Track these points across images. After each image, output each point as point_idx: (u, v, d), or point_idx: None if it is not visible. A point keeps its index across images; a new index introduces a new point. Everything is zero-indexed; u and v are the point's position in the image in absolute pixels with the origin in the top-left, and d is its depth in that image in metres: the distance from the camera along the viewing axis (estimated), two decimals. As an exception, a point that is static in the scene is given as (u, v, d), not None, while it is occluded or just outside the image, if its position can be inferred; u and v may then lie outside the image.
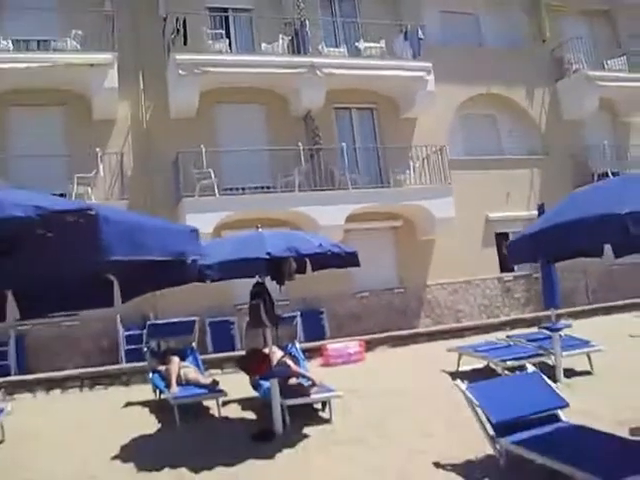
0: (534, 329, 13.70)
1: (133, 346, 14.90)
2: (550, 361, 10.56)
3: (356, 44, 19.16)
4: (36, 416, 10.25)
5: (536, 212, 13.01)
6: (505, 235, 19.37)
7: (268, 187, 17.69)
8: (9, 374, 13.93)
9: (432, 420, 8.18)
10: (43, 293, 4.29)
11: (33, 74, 15.45)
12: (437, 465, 6.49)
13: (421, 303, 19.18)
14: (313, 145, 18.21)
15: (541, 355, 10.72)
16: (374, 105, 19.79)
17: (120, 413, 10.24)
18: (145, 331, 11.96)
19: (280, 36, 18.10)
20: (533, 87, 21.79)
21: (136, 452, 7.83)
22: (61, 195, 13.78)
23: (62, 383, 13.02)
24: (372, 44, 19.05)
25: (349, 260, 8.21)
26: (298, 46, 18.29)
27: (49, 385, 12.92)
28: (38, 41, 16.99)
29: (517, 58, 21.39)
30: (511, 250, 5.99)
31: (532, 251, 5.65)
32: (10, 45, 15.97)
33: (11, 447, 8.50)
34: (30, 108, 16.38)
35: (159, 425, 9.23)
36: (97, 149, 16.14)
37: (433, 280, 19.34)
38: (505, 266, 19.58)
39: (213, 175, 16.25)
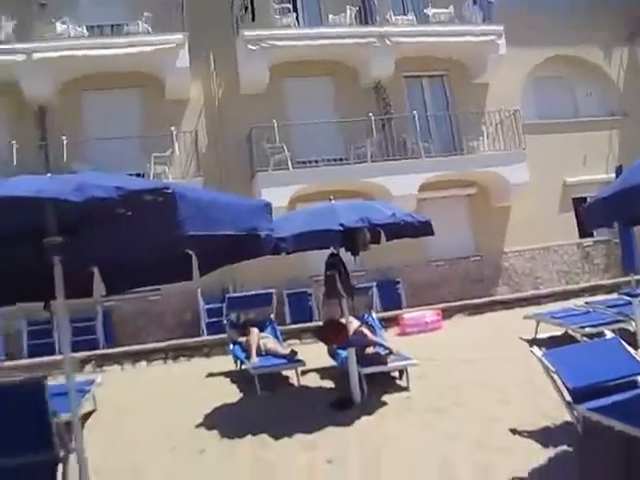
0: (614, 295, 13.41)
1: (213, 319, 15.31)
2: (630, 327, 10.33)
3: (424, 11, 18.93)
4: (124, 387, 10.69)
5: (614, 175, 12.66)
6: (583, 199, 18.83)
7: (340, 159, 17.74)
8: (98, 348, 14.53)
9: (509, 388, 8.15)
10: (126, 269, 4.50)
11: (107, 58, 15.89)
12: (514, 432, 6.50)
13: (498, 271, 18.99)
14: (384, 115, 18.15)
15: (621, 321, 10.47)
16: (445, 72, 19.53)
17: (202, 383, 10.56)
18: (225, 304, 12.27)
19: (347, 7, 18.02)
20: (610, 47, 21.06)
21: (218, 420, 8.09)
22: (138, 175, 14.22)
23: (147, 355, 13.51)
24: (440, 10, 18.78)
25: (423, 229, 8.19)
26: (365, 16, 18.21)
27: (135, 357, 13.44)
28: (111, 26, 17.43)
29: (591, 17, 20.65)
30: (586, 214, 5.87)
31: (608, 215, 5.51)
32: (85, 31, 16.44)
33: (102, 416, 8.90)
34: (106, 92, 16.87)
35: (240, 394, 9.50)
36: (172, 128, 16.50)
37: (510, 247, 19.10)
38: (584, 231, 19.13)
39: (286, 149, 16.44)
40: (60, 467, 4.38)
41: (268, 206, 3.49)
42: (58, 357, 12.75)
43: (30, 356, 14.31)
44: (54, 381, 4.71)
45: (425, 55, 18.61)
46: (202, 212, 2.94)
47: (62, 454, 4.42)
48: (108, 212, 3.28)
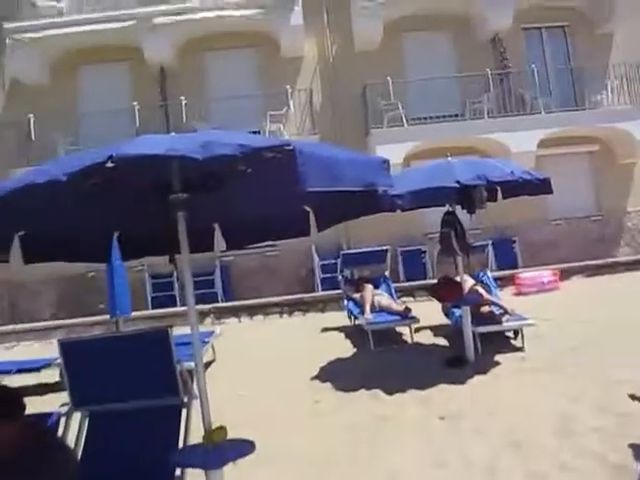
0: None
1: (328, 275, 15.52)
2: None
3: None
4: (241, 339, 11.07)
5: None
6: None
7: (456, 115, 17.41)
8: (217, 301, 15.07)
9: (628, 351, 7.87)
10: (246, 225, 4.63)
11: (224, 19, 16.16)
12: (633, 397, 6.30)
13: (620, 231, 18.22)
14: (502, 69, 17.61)
15: None
16: (566, 23, 18.66)
17: (317, 338, 10.80)
18: (339, 260, 12.44)
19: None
20: None
21: (333, 373, 8.27)
22: (255, 132, 14.46)
23: (264, 309, 13.91)
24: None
25: (541, 187, 7.96)
26: (484, -36, 17.60)
27: (252, 311, 13.87)
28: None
29: None
30: None
31: None
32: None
33: (220, 366, 9.27)
34: (222, 52, 17.20)
35: (354, 349, 9.65)
36: (287, 86, 16.65)
37: (634, 206, 18.25)
38: None
39: (400, 106, 16.29)
40: (184, 412, 4.61)
41: (386, 162, 3.49)
42: (179, 309, 13.34)
43: (154, 308, 15.02)
44: (176, 331, 4.92)
45: (545, 5, 17.85)
46: (322, 168, 2.99)
47: (186, 400, 4.65)
48: (230, 169, 3.38)
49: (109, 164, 2.72)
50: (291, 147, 2.89)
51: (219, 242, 4.70)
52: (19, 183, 3.00)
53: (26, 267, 3.97)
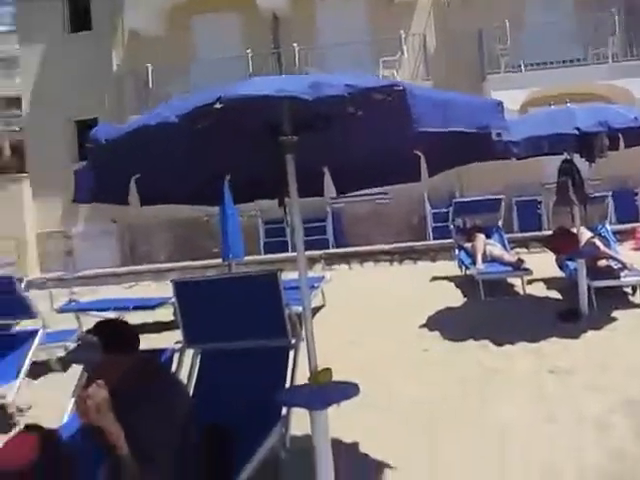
0: None
1: (440, 224, 15.36)
2: None
3: None
4: (351, 285, 11.14)
5: None
6: None
7: (578, 59, 16.56)
8: (328, 247, 15.21)
9: None
10: (355, 170, 4.59)
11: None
12: None
13: None
14: (628, 11, 16.55)
15: None
16: None
17: (427, 286, 10.72)
18: (451, 209, 12.25)
19: None
20: None
21: (442, 322, 8.22)
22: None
23: (374, 256, 13.95)
24: None
25: (669, 135, 7.51)
26: None
27: (363, 258, 13.94)
28: None
29: None
30: None
31: None
32: None
33: (329, 311, 9.39)
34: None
35: (464, 299, 9.54)
36: (400, 32, 16.31)
37: None
38: None
39: (517, 51, 15.66)
40: (291, 354, 4.70)
41: (500, 105, 3.34)
42: (291, 254, 13.55)
43: (266, 253, 15.33)
44: (287, 276, 5.00)
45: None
46: (432, 109, 2.89)
47: (293, 342, 4.74)
48: (339, 111, 3.33)
49: (217, 105, 2.73)
50: (401, 87, 2.82)
51: (329, 187, 4.70)
52: (133, 126, 3.07)
53: (145, 211, 4.10)
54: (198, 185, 4.44)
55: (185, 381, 4.70)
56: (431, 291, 10.29)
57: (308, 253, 12.58)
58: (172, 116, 2.88)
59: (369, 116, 3.35)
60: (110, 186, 3.81)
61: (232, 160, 4.24)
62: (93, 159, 3.51)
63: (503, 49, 15.84)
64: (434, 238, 15.30)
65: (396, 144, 3.95)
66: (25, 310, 7.13)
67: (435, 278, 11.18)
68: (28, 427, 4.22)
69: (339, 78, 2.97)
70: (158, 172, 3.98)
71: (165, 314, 8.79)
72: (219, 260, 10.94)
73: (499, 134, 3.39)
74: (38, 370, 7.59)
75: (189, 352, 5.07)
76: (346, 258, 14.07)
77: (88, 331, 3.29)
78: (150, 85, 16.76)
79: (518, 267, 9.66)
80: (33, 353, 6.79)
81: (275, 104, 3.01)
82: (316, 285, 9.34)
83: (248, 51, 16.47)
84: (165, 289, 8.09)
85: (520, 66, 15.74)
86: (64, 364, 7.70)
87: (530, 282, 9.70)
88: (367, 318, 8.88)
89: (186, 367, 4.96)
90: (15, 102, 21.04)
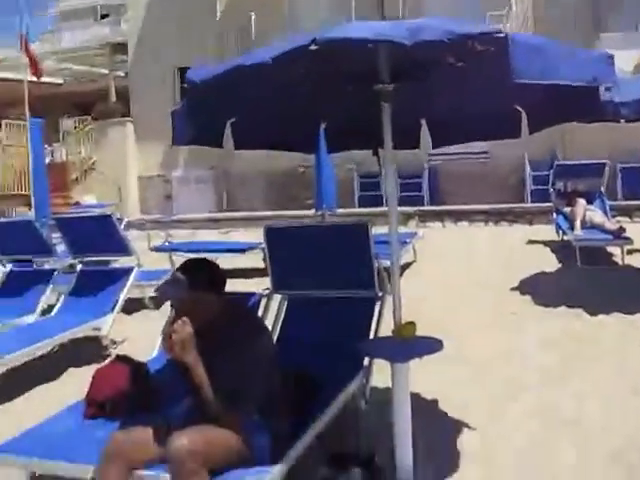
0: None
1: (539, 186, 14.88)
2: None
3: None
4: (443, 243, 11.03)
5: None
6: None
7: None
8: (423, 204, 15.06)
9: None
10: (452, 122, 4.48)
11: None
12: None
13: None
14: None
15: None
16: None
17: (521, 249, 10.49)
18: (552, 172, 11.86)
19: None
20: None
21: (534, 286, 8.03)
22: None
23: (469, 216, 13.74)
24: None
25: None
26: None
27: (457, 217, 13.75)
28: None
29: None
30: None
31: None
32: None
33: (420, 267, 9.34)
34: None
35: (559, 265, 9.28)
36: (511, -16, 15.75)
37: None
38: None
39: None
40: (377, 306, 4.69)
41: (611, 58, 3.14)
42: (385, 209, 13.49)
43: (360, 207, 15.31)
44: (380, 230, 4.96)
45: None
46: (537, 58, 2.73)
47: (380, 294, 4.72)
48: (438, 59, 3.24)
49: (312, 47, 2.68)
50: (503, 34, 2.69)
51: (425, 139, 4.62)
52: (227, 67, 3.06)
53: (242, 160, 4.12)
54: (292, 132, 4.43)
55: (270, 327, 4.76)
56: (525, 254, 10.05)
57: (402, 209, 12.59)
58: (267, 57, 2.85)
59: (469, 67, 3.24)
60: (206, 129, 3.84)
61: (327, 108, 4.20)
62: (189, 100, 3.54)
63: (616, 6, 15.06)
64: (532, 201, 14.88)
65: (496, 97, 3.82)
66: (123, 248, 7.40)
67: (531, 242, 10.92)
68: (119, 358, 4.43)
69: (438, 23, 2.87)
70: (253, 116, 3.99)
71: (255, 260, 8.94)
72: (313, 211, 11.04)
73: (608, 88, 3.22)
74: (132, 306, 7.90)
75: (276, 298, 5.14)
76: (440, 216, 13.90)
77: (177, 269, 3.35)
78: (253, 34, 16.83)
79: (619, 236, 9.28)
80: (128, 290, 7.05)
81: (372, 49, 2.94)
82: (408, 241, 9.29)
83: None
84: (258, 236, 8.22)
85: (637, 26, 14.92)
86: (157, 302, 7.95)
87: (630, 252, 9.29)
88: (457, 277, 8.79)
89: (272, 313, 5.03)
90: (121, 48, 21.46)
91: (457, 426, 4.38)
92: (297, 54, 2.80)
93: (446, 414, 4.61)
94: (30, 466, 3.53)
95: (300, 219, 12.91)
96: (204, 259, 3.53)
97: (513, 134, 4.16)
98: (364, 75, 3.52)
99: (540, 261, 9.38)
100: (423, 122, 4.46)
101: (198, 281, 3.18)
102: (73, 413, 3.99)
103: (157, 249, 9.93)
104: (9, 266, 7.87)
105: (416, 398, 4.22)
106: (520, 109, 3.89)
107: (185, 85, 3.36)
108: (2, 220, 11.37)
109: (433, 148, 4.74)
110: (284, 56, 2.82)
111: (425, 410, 4.48)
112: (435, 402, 4.78)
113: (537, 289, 7.90)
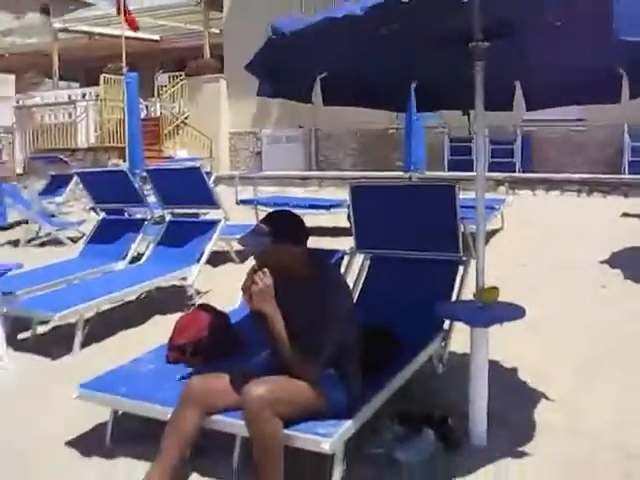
0: None
1: (638, 158, 14.31)
2: None
3: None
4: (533, 212, 10.76)
5: None
6: None
7: None
8: (514, 171, 14.70)
9: None
10: (548, 85, 4.33)
11: None
12: None
13: None
14: None
15: None
16: None
17: (615, 222, 10.12)
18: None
19: None
20: None
21: (626, 260, 7.70)
22: None
23: (561, 185, 13.34)
24: None
25: None
26: None
27: (549, 185, 13.38)
28: None
29: None
30: None
31: None
32: None
33: (507, 234, 9.16)
34: None
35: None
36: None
37: None
38: None
39: None
40: (460, 269, 4.63)
41: None
42: (474, 174, 13.26)
43: (449, 170, 15.08)
44: (467, 195, 4.86)
45: None
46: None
47: (464, 258, 4.66)
48: (536, 18, 3.12)
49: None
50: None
51: (519, 102, 4.47)
52: (318, 18, 3.03)
53: (332, 119, 4.08)
54: (382, 89, 4.36)
55: (352, 285, 4.77)
56: (618, 227, 9.68)
57: (492, 175, 12.36)
58: (357, 9, 2.80)
59: (568, 26, 3.10)
60: (293, 82, 3.84)
61: (419, 66, 4.11)
62: (267, 50, 3.49)
63: None
64: (629, 173, 14.28)
65: (595, 58, 3.66)
66: (210, 201, 7.53)
67: (625, 214, 10.51)
68: (202, 307, 4.53)
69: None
70: (342, 72, 3.94)
71: (340, 219, 8.96)
72: (401, 173, 10.95)
73: None
74: (218, 259, 8.05)
75: (359, 257, 5.14)
76: (531, 184, 13.54)
77: (261, 220, 3.38)
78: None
79: None
80: (214, 242, 7.19)
81: (467, 4, 2.85)
82: (496, 207, 9.11)
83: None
84: (345, 196, 8.23)
85: None
86: (242, 256, 8.08)
87: None
88: (546, 246, 8.57)
89: (354, 271, 5.04)
90: (216, 4, 21.52)
91: (535, 396, 4.29)
92: (389, 7, 2.74)
93: (525, 383, 4.53)
94: (113, 404, 3.68)
95: (389, 180, 12.89)
96: (288, 211, 3.54)
97: (612, 98, 3.96)
98: (458, 32, 3.43)
99: (633, 235, 9.01)
100: (517, 84, 4.32)
101: (281, 232, 3.19)
102: (155, 356, 4.13)
103: (243, 202, 10.12)
104: (102, 214, 8.13)
105: (494, 365, 4.16)
106: (622, 71, 3.70)
107: (272, 36, 3.32)
108: (97, 169, 11.73)
109: (527, 111, 4.58)
110: (376, 9, 2.77)
111: (503, 378, 4.42)
112: (514, 370, 4.70)
113: (630, 263, 7.60)
